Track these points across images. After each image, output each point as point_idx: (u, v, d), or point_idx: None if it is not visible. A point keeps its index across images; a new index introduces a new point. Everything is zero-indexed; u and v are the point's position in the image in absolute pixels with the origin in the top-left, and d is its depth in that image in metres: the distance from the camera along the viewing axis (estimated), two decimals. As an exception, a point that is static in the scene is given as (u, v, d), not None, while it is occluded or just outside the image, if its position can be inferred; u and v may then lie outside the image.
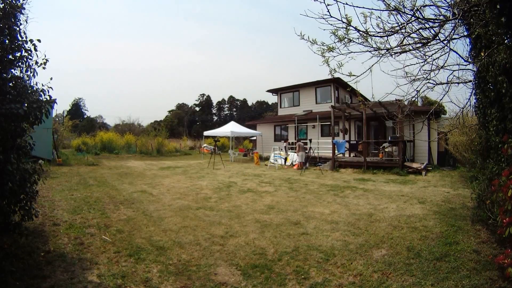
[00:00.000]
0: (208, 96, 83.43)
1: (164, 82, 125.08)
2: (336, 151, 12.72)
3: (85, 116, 63.35)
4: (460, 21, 2.73)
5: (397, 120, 10.45)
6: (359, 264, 3.19)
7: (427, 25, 2.54)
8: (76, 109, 66.01)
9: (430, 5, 2.60)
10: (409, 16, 2.44)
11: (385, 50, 2.63)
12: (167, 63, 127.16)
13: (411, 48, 2.69)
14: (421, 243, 3.73)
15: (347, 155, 13.96)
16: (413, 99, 3.36)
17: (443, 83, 3.11)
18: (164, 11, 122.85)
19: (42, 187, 6.01)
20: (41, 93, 3.25)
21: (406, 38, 2.60)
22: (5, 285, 2.55)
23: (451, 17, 2.56)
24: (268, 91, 22.30)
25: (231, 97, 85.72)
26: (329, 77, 2.90)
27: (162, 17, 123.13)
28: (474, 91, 4.53)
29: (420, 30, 2.57)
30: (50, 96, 3.34)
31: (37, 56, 3.27)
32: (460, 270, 2.96)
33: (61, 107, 56.51)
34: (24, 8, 3.13)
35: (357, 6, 2.29)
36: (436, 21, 2.54)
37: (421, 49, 2.76)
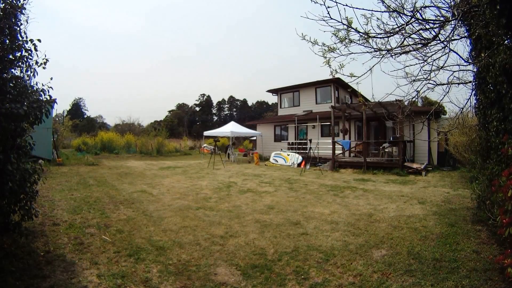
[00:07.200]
0: (208, 96, 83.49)
1: (164, 82, 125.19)
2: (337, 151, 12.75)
3: (85, 116, 63.33)
4: (460, 22, 2.74)
5: (397, 121, 10.45)
6: (359, 265, 3.20)
7: (427, 26, 2.54)
8: (76, 109, 66.05)
9: (430, 6, 2.60)
10: (409, 17, 2.44)
11: (386, 51, 2.64)
12: (168, 63, 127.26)
13: (411, 48, 2.70)
14: (421, 244, 3.73)
15: (347, 154, 13.96)
16: (413, 99, 3.37)
17: (443, 84, 3.11)
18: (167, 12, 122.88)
19: (42, 187, 6.01)
20: (41, 93, 3.26)
21: (407, 39, 2.61)
22: (5, 284, 2.56)
23: (451, 18, 2.56)
24: (268, 91, 22.28)
25: (231, 97, 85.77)
26: (330, 77, 2.91)
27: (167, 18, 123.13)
28: (474, 92, 4.53)
29: (421, 31, 2.58)
30: (50, 96, 3.34)
31: (37, 56, 3.28)
32: (460, 270, 2.97)
33: (61, 107, 56.61)
34: (24, 8, 3.14)
35: (357, 8, 2.30)
36: (436, 22, 2.55)
37: (421, 49, 2.76)
